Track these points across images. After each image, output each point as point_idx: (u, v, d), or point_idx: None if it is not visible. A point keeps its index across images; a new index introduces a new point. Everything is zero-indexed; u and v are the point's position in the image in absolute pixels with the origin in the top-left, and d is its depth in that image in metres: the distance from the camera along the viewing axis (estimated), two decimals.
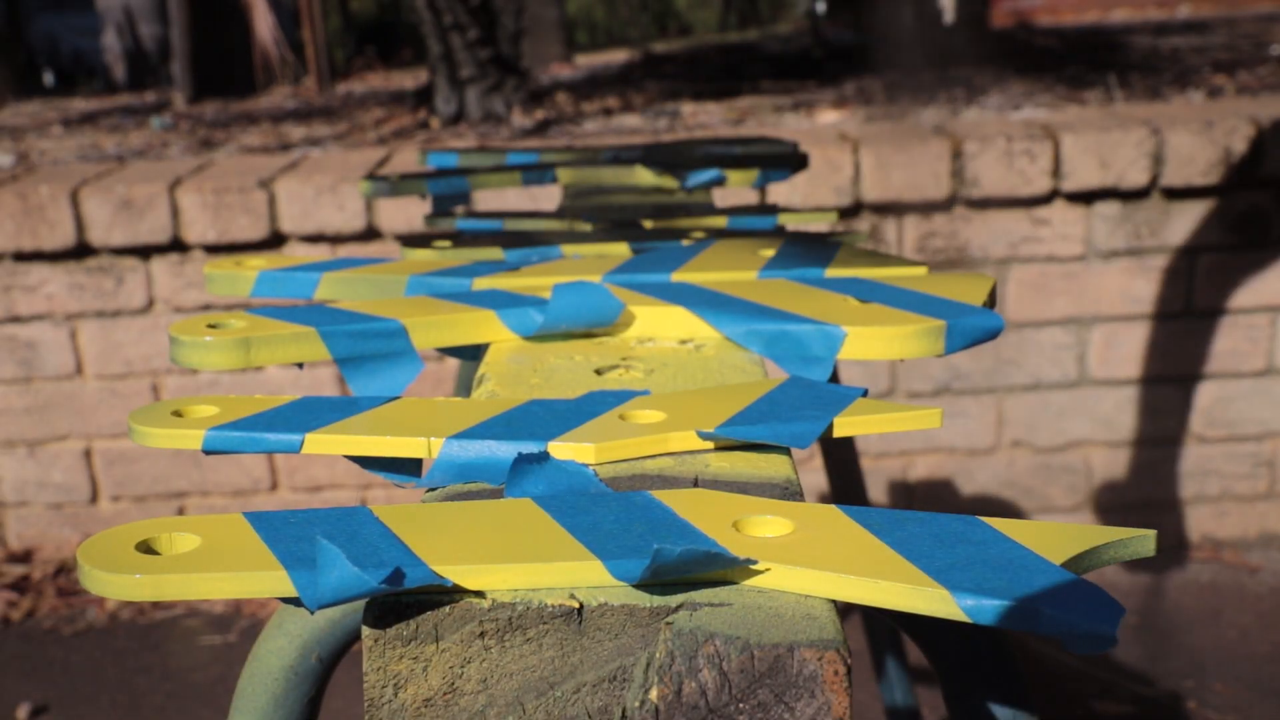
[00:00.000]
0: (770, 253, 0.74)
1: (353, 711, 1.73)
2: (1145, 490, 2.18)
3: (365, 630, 0.37)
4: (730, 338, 0.62)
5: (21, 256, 2.09)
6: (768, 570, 0.38)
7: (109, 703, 1.86)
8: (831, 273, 0.71)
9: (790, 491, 0.45)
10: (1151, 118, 2.10)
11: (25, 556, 2.22)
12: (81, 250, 2.08)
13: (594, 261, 0.75)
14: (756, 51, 4.95)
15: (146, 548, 0.39)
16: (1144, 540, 0.40)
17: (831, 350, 0.59)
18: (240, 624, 2.08)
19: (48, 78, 7.86)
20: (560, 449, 0.48)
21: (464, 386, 1.12)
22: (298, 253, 2.08)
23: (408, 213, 2.03)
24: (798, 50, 4.81)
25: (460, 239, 0.82)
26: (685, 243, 0.80)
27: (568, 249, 0.79)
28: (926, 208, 2.06)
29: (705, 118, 2.87)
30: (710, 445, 0.49)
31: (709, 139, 1.19)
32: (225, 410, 0.52)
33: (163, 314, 2.12)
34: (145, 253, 2.09)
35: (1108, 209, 2.06)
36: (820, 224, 1.35)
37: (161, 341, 2.13)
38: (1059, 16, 6.19)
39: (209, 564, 0.38)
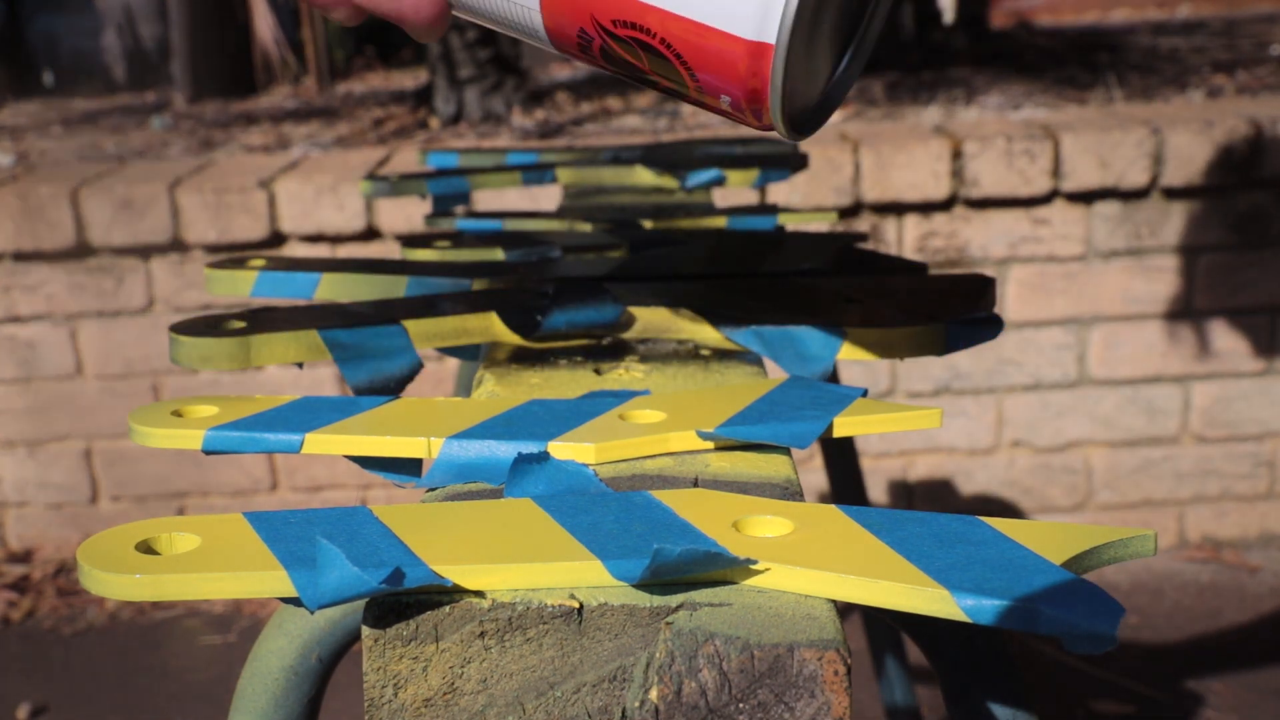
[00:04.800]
0: (770, 253, 0.74)
1: (353, 711, 1.73)
2: (1145, 490, 2.18)
3: (365, 630, 0.37)
4: (730, 338, 0.62)
5: (21, 256, 2.09)
6: (768, 570, 0.38)
7: (109, 703, 1.86)
8: (831, 273, 0.71)
9: (790, 491, 0.45)
10: (1151, 118, 2.10)
11: (25, 556, 2.22)
12: (81, 250, 2.08)
13: (594, 261, 0.75)
14: None
15: (146, 548, 0.39)
16: (1144, 540, 0.40)
17: (831, 350, 0.58)
18: (240, 624, 2.08)
19: (48, 78, 7.86)
20: (560, 449, 0.48)
21: (464, 386, 1.12)
22: (298, 253, 2.08)
23: (408, 213, 2.03)
24: None
25: (460, 239, 0.81)
26: (685, 243, 0.80)
27: (567, 249, 0.79)
28: (926, 208, 2.06)
29: (705, 118, 2.87)
30: (710, 445, 0.49)
31: (709, 139, 1.19)
32: (225, 410, 0.52)
33: (163, 314, 2.12)
34: (145, 253, 2.09)
35: (1108, 209, 2.06)
36: (820, 224, 1.35)
37: (161, 341, 2.13)
38: (1059, 16, 6.19)
39: (209, 564, 0.38)
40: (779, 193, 2.02)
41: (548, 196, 1.96)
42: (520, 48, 3.22)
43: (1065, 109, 2.64)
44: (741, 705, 0.35)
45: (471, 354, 0.65)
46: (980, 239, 2.07)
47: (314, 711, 0.61)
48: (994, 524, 0.41)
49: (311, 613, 0.38)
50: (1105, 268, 2.08)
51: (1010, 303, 2.10)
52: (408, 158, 2.22)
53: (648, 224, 0.87)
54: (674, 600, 0.37)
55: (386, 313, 0.61)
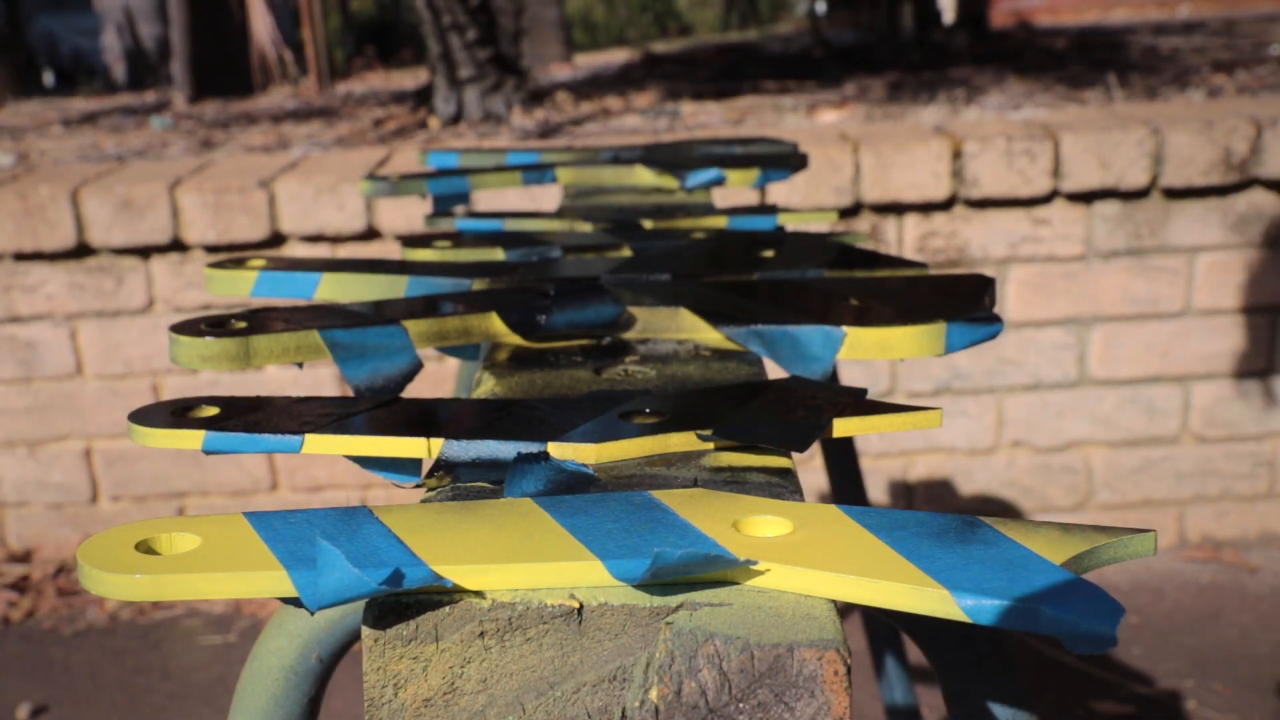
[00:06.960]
0: (770, 253, 0.74)
1: (353, 711, 1.73)
2: (1145, 490, 2.18)
3: (365, 630, 0.37)
4: (730, 338, 0.62)
5: (21, 256, 2.09)
6: (768, 570, 0.38)
7: (109, 703, 1.86)
8: (831, 273, 0.71)
9: (790, 491, 0.45)
10: (1151, 118, 2.10)
11: (25, 556, 2.22)
12: (81, 250, 2.08)
13: (594, 261, 0.75)
14: (757, 51, 4.95)
15: (146, 548, 0.39)
16: (1144, 540, 0.40)
17: (831, 350, 0.58)
18: (240, 624, 2.08)
19: (48, 78, 7.86)
20: (560, 449, 0.48)
21: (464, 386, 1.12)
22: (298, 253, 2.08)
23: (408, 213, 2.03)
24: (798, 50, 4.81)
25: (460, 239, 0.81)
26: (685, 243, 0.80)
27: (567, 249, 0.79)
28: (926, 208, 2.06)
29: (705, 118, 2.87)
30: (710, 445, 0.49)
31: (709, 139, 1.19)
32: (225, 410, 0.52)
33: (163, 314, 2.12)
34: (145, 253, 2.09)
35: (1108, 209, 2.06)
36: (820, 224, 1.35)
37: (161, 341, 2.13)
38: (1059, 16, 6.19)
39: (209, 564, 0.38)
40: (779, 193, 2.02)
41: (548, 196, 1.96)
42: (520, 47, 3.22)
43: (1065, 109, 2.64)
44: (741, 705, 0.35)
45: (471, 354, 0.65)
46: (980, 239, 2.07)
47: (314, 711, 0.61)
48: (994, 524, 0.41)
49: (312, 613, 0.38)
50: (1105, 268, 2.08)
51: (1010, 303, 2.10)
52: (408, 158, 2.22)
53: (648, 224, 0.87)
54: (674, 600, 0.37)
55: (386, 313, 0.61)
